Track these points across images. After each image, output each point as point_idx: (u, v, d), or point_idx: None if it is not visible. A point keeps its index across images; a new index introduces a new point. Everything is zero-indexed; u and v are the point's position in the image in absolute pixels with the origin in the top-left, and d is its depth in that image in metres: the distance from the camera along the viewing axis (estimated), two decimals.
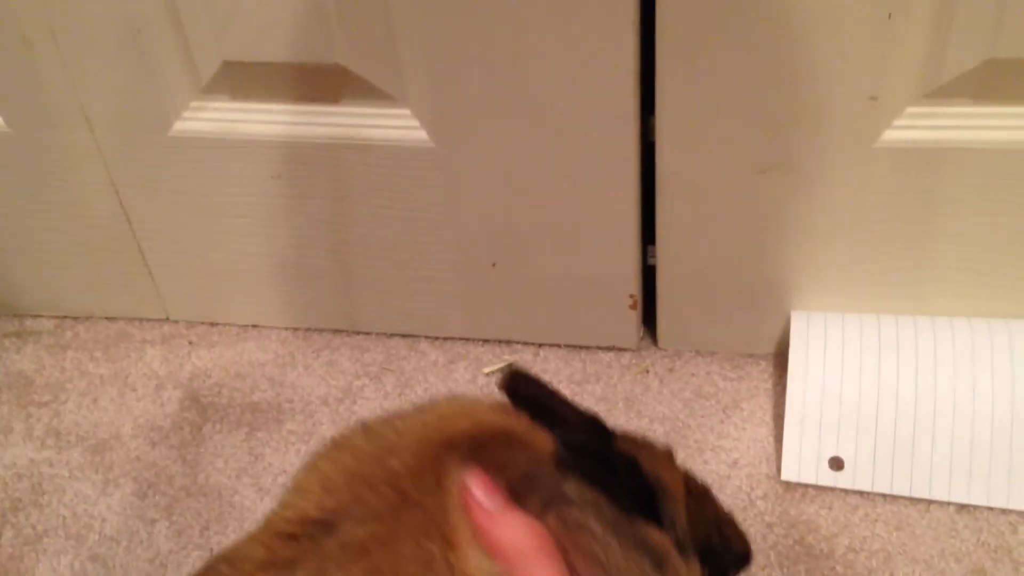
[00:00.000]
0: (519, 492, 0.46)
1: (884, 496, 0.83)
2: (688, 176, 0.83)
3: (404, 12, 0.77)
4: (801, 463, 0.85)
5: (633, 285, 0.92)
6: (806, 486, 0.84)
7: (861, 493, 0.83)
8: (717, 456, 0.88)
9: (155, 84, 0.85)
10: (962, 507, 0.82)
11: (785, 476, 0.85)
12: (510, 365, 0.54)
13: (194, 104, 0.87)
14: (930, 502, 0.82)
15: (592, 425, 0.53)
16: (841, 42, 0.74)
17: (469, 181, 0.87)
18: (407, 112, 0.84)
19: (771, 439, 0.88)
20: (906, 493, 0.83)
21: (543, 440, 0.49)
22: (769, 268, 0.89)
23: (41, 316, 1.05)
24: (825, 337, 0.89)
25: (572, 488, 0.46)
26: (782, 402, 0.88)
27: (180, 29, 0.82)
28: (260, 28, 0.80)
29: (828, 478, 0.84)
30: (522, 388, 0.53)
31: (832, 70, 0.75)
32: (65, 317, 1.05)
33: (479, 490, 0.45)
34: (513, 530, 0.44)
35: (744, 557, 0.58)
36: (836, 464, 0.84)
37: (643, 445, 0.54)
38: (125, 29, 0.82)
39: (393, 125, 0.85)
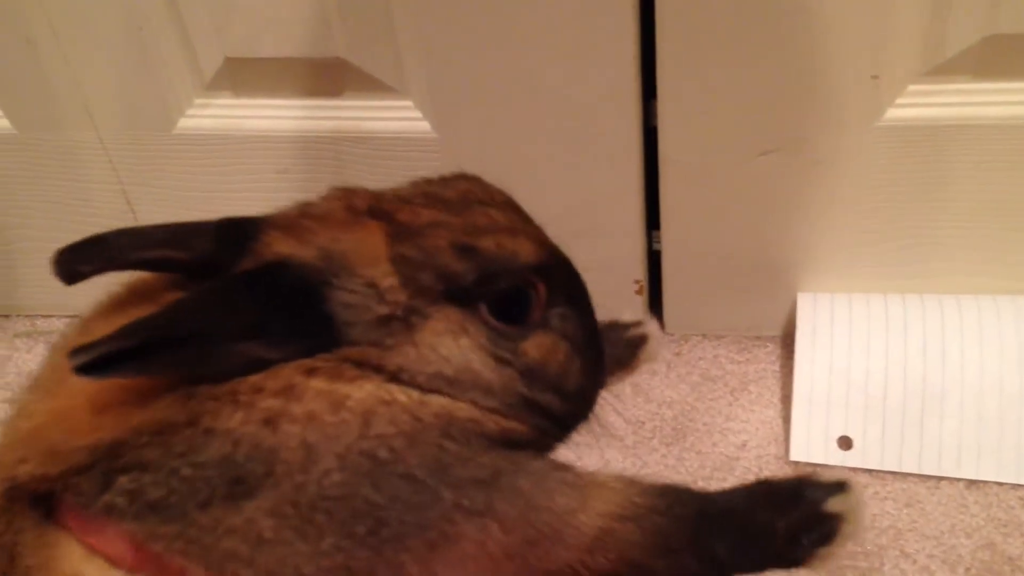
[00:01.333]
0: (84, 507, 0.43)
1: (893, 474, 0.83)
2: (691, 160, 0.83)
3: (404, 4, 0.77)
4: (810, 443, 0.85)
5: (639, 270, 0.92)
6: (815, 466, 0.85)
7: (870, 471, 0.84)
8: (726, 438, 0.88)
9: (159, 82, 0.85)
10: (972, 483, 0.82)
11: (794, 456, 0.85)
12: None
13: (198, 101, 0.88)
14: (940, 479, 0.83)
15: (220, 240, 0.47)
16: (842, 21, 0.74)
17: (472, 170, 0.87)
18: (409, 104, 0.84)
19: (779, 420, 0.88)
20: (915, 470, 0.83)
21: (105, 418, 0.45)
22: (774, 250, 0.89)
23: (52, 316, 1.06)
24: (832, 318, 0.89)
25: (113, 492, 0.43)
26: (790, 383, 0.88)
27: (182, 26, 0.82)
28: (261, 24, 0.81)
29: (837, 457, 0.84)
30: (99, 258, 0.48)
31: (833, 50, 0.75)
32: (76, 316, 1.06)
33: (68, 519, 0.44)
34: (112, 544, 0.43)
35: (528, 267, 0.46)
36: (845, 443, 0.85)
37: (304, 216, 0.47)
38: (127, 28, 0.82)
39: (396, 117, 0.85)
